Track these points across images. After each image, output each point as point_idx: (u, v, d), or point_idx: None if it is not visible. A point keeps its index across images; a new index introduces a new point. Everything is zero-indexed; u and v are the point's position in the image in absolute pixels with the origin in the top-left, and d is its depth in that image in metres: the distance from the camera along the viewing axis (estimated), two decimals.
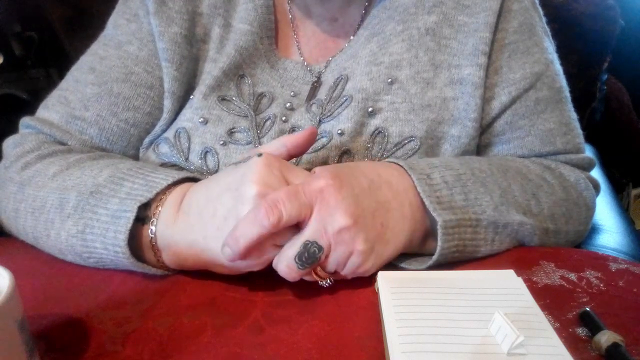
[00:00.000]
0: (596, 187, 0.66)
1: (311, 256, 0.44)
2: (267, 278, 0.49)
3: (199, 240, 0.47)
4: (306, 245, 0.44)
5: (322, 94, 0.63)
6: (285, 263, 0.44)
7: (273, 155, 0.48)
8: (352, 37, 0.66)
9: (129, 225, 0.47)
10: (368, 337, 0.42)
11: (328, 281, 0.46)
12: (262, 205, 0.43)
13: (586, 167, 0.66)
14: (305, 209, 0.44)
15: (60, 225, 0.50)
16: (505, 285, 0.46)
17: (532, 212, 0.55)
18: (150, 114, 0.64)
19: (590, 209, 0.63)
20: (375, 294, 0.46)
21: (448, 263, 0.51)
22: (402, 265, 0.51)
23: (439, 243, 0.48)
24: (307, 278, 0.46)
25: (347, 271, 0.46)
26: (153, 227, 0.49)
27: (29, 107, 0.64)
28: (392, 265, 0.50)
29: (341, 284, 0.48)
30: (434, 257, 0.49)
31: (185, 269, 0.50)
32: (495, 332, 0.39)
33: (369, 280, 0.48)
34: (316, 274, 0.46)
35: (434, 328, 0.40)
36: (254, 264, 0.46)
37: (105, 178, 0.52)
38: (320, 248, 0.44)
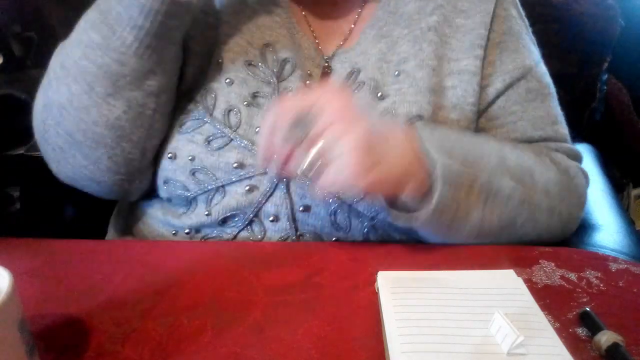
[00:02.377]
0: (585, 177, 0.68)
1: (305, 119, 0.48)
2: (267, 278, 0.49)
3: None
4: (307, 113, 0.48)
5: (335, 83, 0.66)
6: (281, 117, 0.50)
7: None
8: (352, 27, 0.69)
9: None
10: (368, 337, 0.42)
11: (306, 166, 0.48)
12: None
13: (575, 157, 0.68)
14: (314, 98, 0.49)
15: (82, 29, 0.58)
16: (505, 285, 0.46)
17: (525, 182, 0.57)
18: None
19: (582, 195, 0.65)
20: (375, 294, 0.46)
21: (444, 260, 0.51)
22: (399, 221, 0.53)
23: (439, 186, 0.51)
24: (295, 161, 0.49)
25: (346, 159, 0.47)
26: None
27: (29, 107, 0.64)
28: (388, 262, 0.50)
29: (341, 283, 0.48)
30: (436, 197, 0.51)
31: None
32: (495, 332, 0.39)
33: (369, 280, 0.48)
34: (312, 157, 0.48)
35: (434, 328, 0.40)
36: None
37: None
38: (316, 116, 0.48)
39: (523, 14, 0.72)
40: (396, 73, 0.64)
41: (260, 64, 0.64)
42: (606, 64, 1.12)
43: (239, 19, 0.67)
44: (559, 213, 0.60)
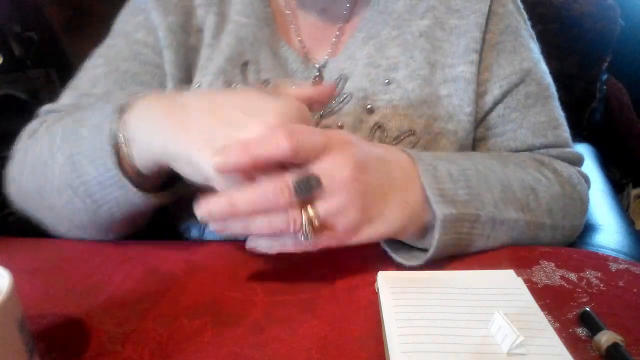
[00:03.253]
0: (587, 182, 0.67)
1: (308, 187, 0.42)
2: (267, 278, 0.49)
3: (176, 125, 0.45)
4: (310, 177, 0.43)
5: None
6: (282, 180, 0.42)
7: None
8: (339, 31, 0.68)
9: (110, 127, 0.48)
10: (368, 337, 0.42)
11: (308, 233, 0.43)
12: (281, 129, 0.42)
13: (576, 162, 0.67)
14: (321, 147, 0.44)
15: (52, 161, 0.52)
16: (505, 285, 0.46)
17: (530, 207, 0.56)
18: (158, 91, 0.65)
19: (585, 202, 0.64)
20: (375, 294, 0.46)
21: (443, 258, 0.51)
22: (399, 260, 0.50)
23: (437, 236, 0.48)
24: (288, 219, 0.43)
25: (337, 226, 0.44)
26: (130, 115, 0.49)
27: (29, 107, 0.65)
28: (388, 262, 0.50)
29: (341, 283, 0.48)
30: (431, 251, 0.49)
31: (149, 166, 0.49)
32: (495, 332, 0.39)
33: (369, 280, 0.48)
34: (307, 217, 0.43)
35: (434, 328, 0.40)
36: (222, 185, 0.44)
37: (90, 109, 0.54)
38: (318, 185, 0.43)
39: (522, 7, 0.69)
40: (386, 81, 0.62)
41: (239, 85, 0.63)
42: (606, 64, 1.12)
43: (221, 37, 0.66)
44: (562, 228, 0.59)
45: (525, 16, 0.69)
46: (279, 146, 0.41)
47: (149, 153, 0.48)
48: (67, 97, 0.66)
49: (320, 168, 0.44)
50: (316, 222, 0.44)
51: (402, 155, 0.52)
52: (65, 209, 0.54)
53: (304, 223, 0.43)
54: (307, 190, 0.43)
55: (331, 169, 0.44)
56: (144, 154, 0.49)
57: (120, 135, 0.49)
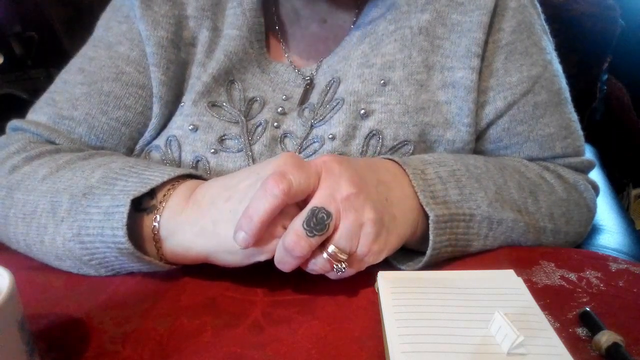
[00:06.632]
0: (595, 189, 0.66)
1: (319, 221, 0.42)
2: (267, 278, 0.49)
3: (208, 226, 0.46)
4: (314, 211, 0.43)
5: (314, 97, 0.62)
6: (293, 231, 0.43)
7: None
8: (345, 39, 0.65)
9: (124, 220, 0.46)
10: (368, 337, 0.42)
11: (342, 266, 0.44)
12: (269, 177, 0.42)
13: (585, 169, 0.66)
14: (313, 178, 0.44)
15: (55, 230, 0.49)
16: (505, 285, 0.46)
17: (529, 210, 0.55)
18: (142, 113, 0.63)
19: (591, 210, 0.63)
20: (375, 294, 0.46)
21: (442, 260, 0.51)
22: (396, 264, 0.50)
23: (431, 237, 0.48)
24: (318, 268, 0.44)
25: (362, 247, 0.44)
26: (158, 216, 0.48)
27: (29, 107, 0.65)
28: (388, 262, 0.50)
29: (341, 284, 0.48)
30: (428, 252, 0.49)
31: (185, 262, 0.49)
32: (495, 332, 0.39)
33: (369, 280, 0.48)
34: (330, 255, 0.44)
35: (434, 328, 0.40)
36: (262, 251, 0.45)
37: (97, 179, 0.50)
38: (328, 214, 0.43)
39: None
40: (382, 82, 0.58)
41: (225, 103, 0.61)
42: (606, 64, 1.12)
43: (213, 55, 0.63)
44: (565, 233, 0.58)
45: (539, 8, 0.65)
46: (273, 195, 0.42)
47: (185, 258, 0.49)
48: (42, 113, 0.61)
49: (319, 197, 0.44)
50: (342, 256, 0.44)
51: (386, 163, 0.52)
52: (64, 267, 0.51)
53: (334, 265, 0.44)
54: (319, 225, 0.42)
55: (329, 194, 0.43)
56: (180, 257, 0.49)
57: (146, 233, 0.48)
